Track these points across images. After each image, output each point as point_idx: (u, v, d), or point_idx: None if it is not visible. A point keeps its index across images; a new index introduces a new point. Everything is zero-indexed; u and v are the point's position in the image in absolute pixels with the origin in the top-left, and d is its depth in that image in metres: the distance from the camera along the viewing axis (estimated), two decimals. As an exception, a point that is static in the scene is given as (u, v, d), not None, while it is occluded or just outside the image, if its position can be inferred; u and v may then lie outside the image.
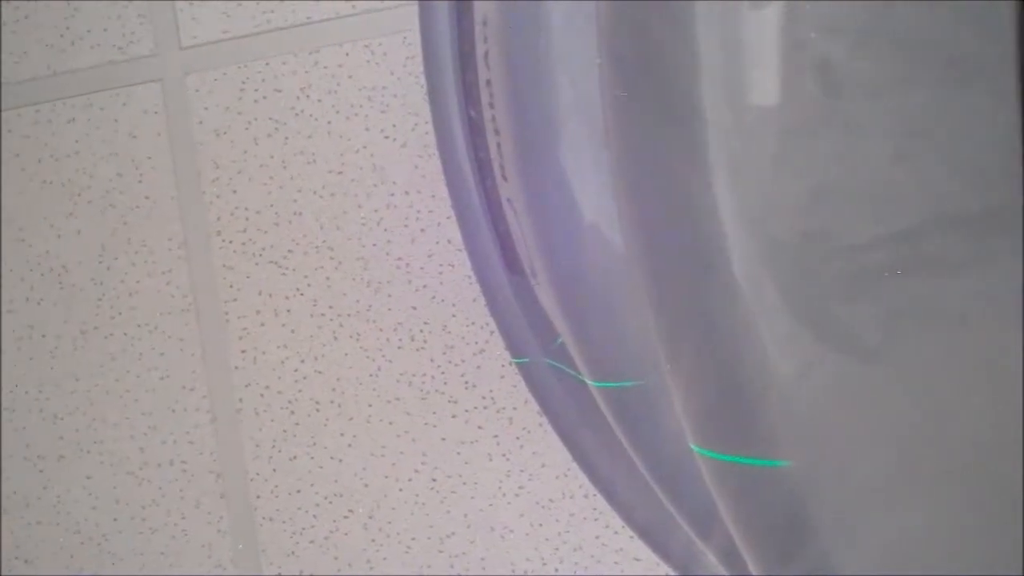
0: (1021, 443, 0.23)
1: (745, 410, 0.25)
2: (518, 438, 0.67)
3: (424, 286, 0.67)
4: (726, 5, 0.23)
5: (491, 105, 0.40)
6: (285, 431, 0.69)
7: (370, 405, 0.68)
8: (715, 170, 0.23)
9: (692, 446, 0.27)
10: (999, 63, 0.21)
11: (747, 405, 0.24)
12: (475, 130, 0.47)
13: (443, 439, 0.67)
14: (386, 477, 0.68)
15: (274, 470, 0.69)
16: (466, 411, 0.67)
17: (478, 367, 0.67)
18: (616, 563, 0.66)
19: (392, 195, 0.67)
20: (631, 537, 0.65)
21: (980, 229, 0.22)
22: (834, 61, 0.22)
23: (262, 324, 0.68)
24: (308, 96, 0.67)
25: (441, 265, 0.66)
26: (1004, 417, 0.23)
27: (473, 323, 0.67)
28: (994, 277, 0.22)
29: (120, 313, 0.69)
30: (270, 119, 0.67)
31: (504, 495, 0.67)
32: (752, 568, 0.27)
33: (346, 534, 0.69)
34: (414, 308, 0.67)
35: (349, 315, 0.68)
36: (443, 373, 0.67)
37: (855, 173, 0.22)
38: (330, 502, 0.69)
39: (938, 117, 0.22)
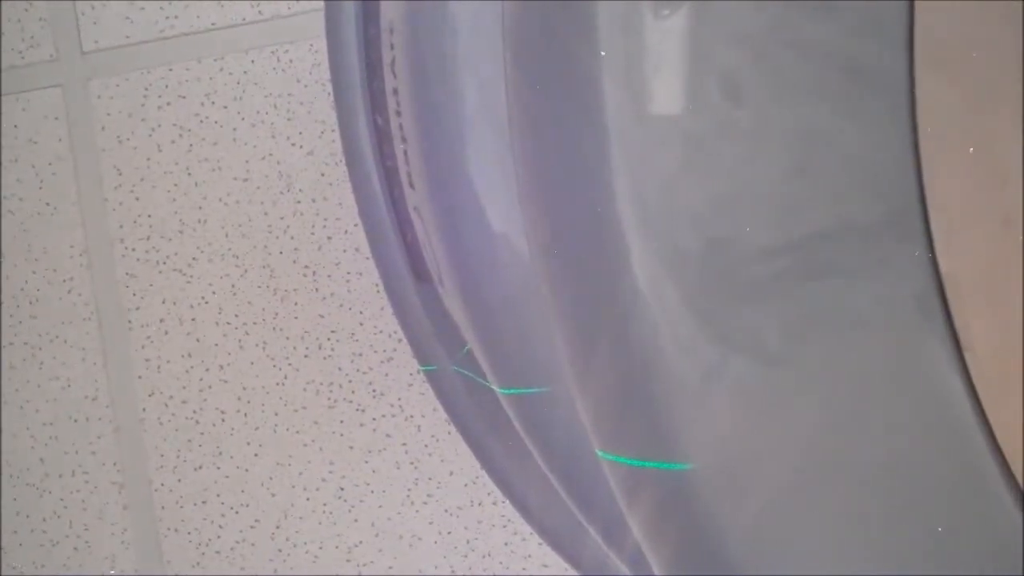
0: (921, 445, 0.23)
1: (648, 414, 0.25)
2: (426, 446, 0.67)
3: (331, 294, 0.66)
4: (631, 13, 0.23)
5: (398, 113, 0.40)
6: (190, 441, 0.68)
7: (276, 414, 0.67)
8: (618, 177, 0.23)
9: (598, 452, 0.27)
10: (893, 72, 0.22)
11: (650, 409, 0.25)
12: (382, 138, 0.47)
13: (351, 448, 0.67)
14: (293, 487, 0.67)
15: (179, 480, 0.68)
16: (374, 419, 0.67)
17: (386, 375, 0.67)
18: (524, 569, 0.66)
19: (299, 203, 0.66)
20: (540, 544, 0.66)
21: (879, 236, 0.22)
22: (736, 70, 0.22)
23: (166, 332, 0.68)
24: (213, 103, 0.67)
25: (348, 273, 0.66)
26: (905, 420, 0.23)
27: (381, 331, 0.66)
28: (894, 282, 0.23)
29: (20, 322, 0.68)
30: (174, 125, 0.67)
31: (412, 503, 0.67)
32: (657, 572, 0.27)
33: (253, 544, 0.68)
34: (321, 316, 0.67)
35: (255, 323, 0.67)
36: (351, 381, 0.67)
37: (757, 181, 0.23)
38: (236, 512, 0.68)
39: (837, 125, 0.22)
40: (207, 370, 0.67)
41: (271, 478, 0.68)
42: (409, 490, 0.67)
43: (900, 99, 0.22)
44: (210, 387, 0.68)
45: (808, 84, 0.22)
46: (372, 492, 0.67)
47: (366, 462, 0.67)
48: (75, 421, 0.68)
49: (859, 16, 0.22)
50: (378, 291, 0.66)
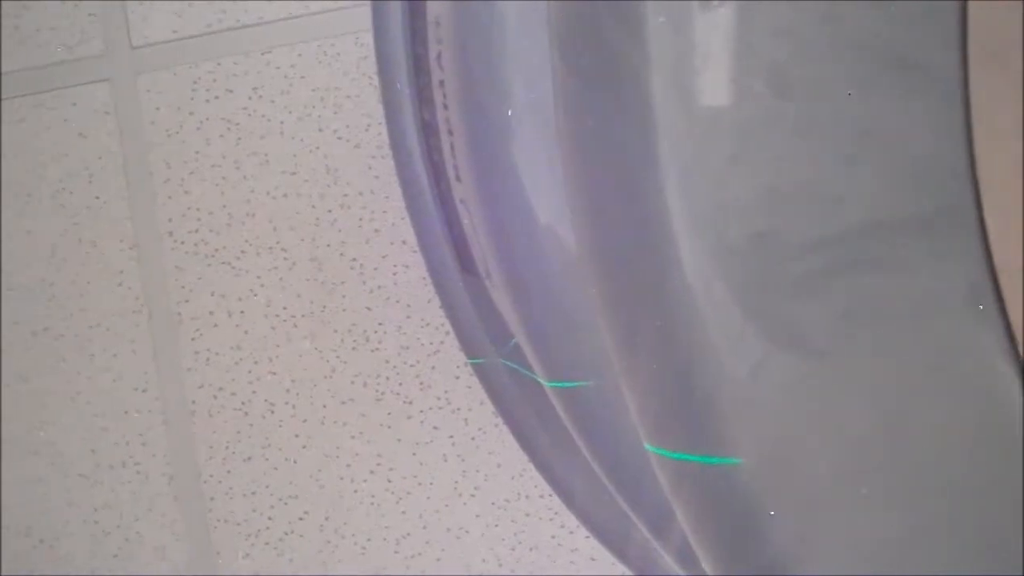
0: (971, 441, 0.23)
1: (697, 409, 0.25)
2: (473, 438, 0.67)
3: (379, 287, 0.67)
4: (678, 6, 0.23)
5: (445, 106, 0.40)
6: (239, 433, 0.68)
7: (325, 406, 0.67)
8: (666, 171, 0.23)
9: (646, 445, 0.27)
10: (945, 64, 0.22)
11: (699, 404, 0.24)
12: (429, 131, 0.47)
13: (398, 440, 0.67)
14: (341, 478, 0.68)
15: (228, 472, 0.69)
16: (421, 412, 0.67)
17: (433, 368, 0.67)
18: (572, 563, 0.66)
19: (346, 196, 0.66)
20: (587, 537, 0.66)
21: (930, 229, 0.22)
22: (785, 63, 0.22)
23: (215, 325, 0.68)
24: (260, 96, 0.67)
25: (395, 266, 0.66)
26: (955, 415, 0.23)
27: (428, 324, 0.66)
28: (946, 275, 0.22)
29: (71, 314, 0.69)
30: (222, 119, 0.67)
31: (460, 496, 0.67)
32: (706, 567, 0.27)
33: (301, 536, 0.68)
34: (368, 309, 0.67)
35: (303, 316, 0.67)
36: (398, 374, 0.67)
37: (806, 174, 0.23)
38: (285, 504, 0.68)
39: (888, 118, 0.22)
40: (256, 362, 0.68)
41: (319, 470, 0.68)
42: (456, 482, 0.67)
43: (953, 91, 0.22)
44: (259, 379, 0.68)
45: (858, 76, 0.22)
46: (419, 484, 0.67)
47: (413, 454, 0.67)
48: (125, 413, 0.69)
49: (910, 8, 0.21)
50: (425, 284, 0.66)
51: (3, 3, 0.68)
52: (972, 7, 0.21)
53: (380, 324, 0.67)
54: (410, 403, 0.67)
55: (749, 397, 0.24)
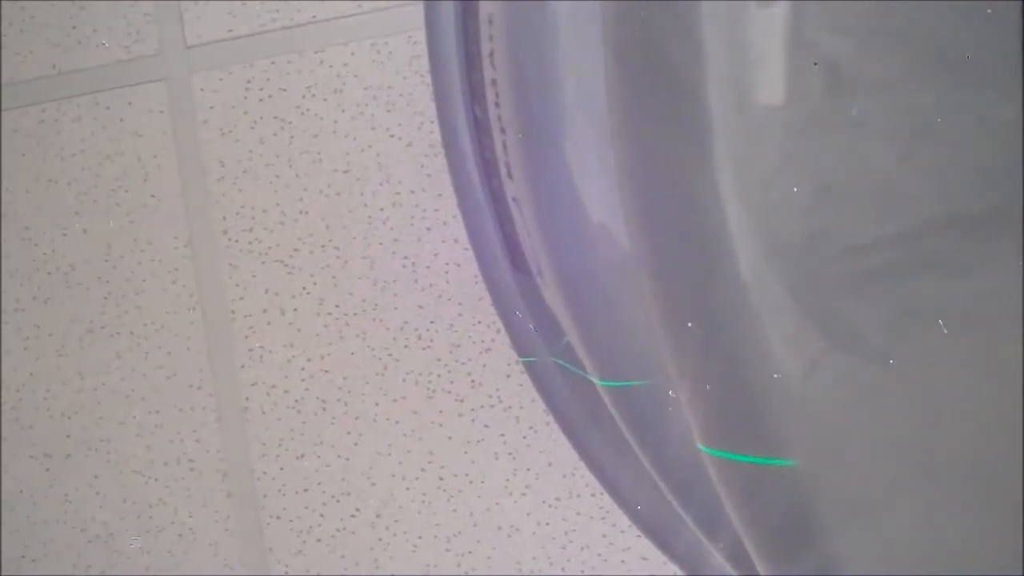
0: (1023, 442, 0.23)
1: (751, 409, 0.25)
2: (524, 437, 0.67)
3: (430, 285, 0.67)
4: (732, 4, 0.23)
5: (497, 104, 0.40)
6: (292, 430, 0.69)
7: (376, 404, 0.68)
8: (721, 169, 0.23)
9: (699, 445, 0.27)
10: (1003, 63, 0.21)
11: (753, 404, 0.24)
12: (481, 129, 0.47)
13: (449, 438, 0.67)
14: (392, 476, 0.68)
15: (281, 469, 0.69)
16: (472, 410, 0.67)
17: (484, 366, 0.67)
18: (623, 562, 0.66)
19: (398, 194, 0.67)
20: (638, 536, 0.65)
21: (985, 229, 0.22)
22: (840, 60, 0.22)
23: (268, 323, 0.68)
24: (313, 95, 0.67)
25: (447, 264, 0.66)
26: (1009, 417, 0.23)
27: (479, 322, 0.67)
28: (999, 277, 0.22)
29: (126, 312, 0.69)
30: (275, 118, 0.67)
31: (511, 494, 0.67)
32: (759, 567, 0.27)
33: (353, 533, 0.69)
34: (420, 307, 0.67)
35: (355, 314, 0.68)
36: (449, 372, 0.67)
37: (860, 173, 0.22)
38: (337, 501, 0.69)
39: (943, 117, 0.22)
40: (308, 360, 0.68)
41: (371, 467, 0.68)
42: (507, 481, 0.67)
43: (1012, 90, 0.21)
44: (311, 376, 0.68)
45: (913, 74, 0.22)
46: (471, 482, 0.67)
47: (465, 452, 0.67)
48: (180, 410, 0.70)
49: (970, 6, 0.21)
50: (477, 282, 0.66)
51: (61, 3, 0.69)
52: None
53: (432, 322, 0.67)
54: (461, 401, 0.67)
55: (803, 397, 0.24)
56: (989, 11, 0.21)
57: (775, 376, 0.24)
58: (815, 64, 0.22)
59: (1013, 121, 0.21)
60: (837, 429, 0.24)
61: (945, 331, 0.23)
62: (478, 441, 0.67)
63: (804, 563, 0.25)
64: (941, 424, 0.23)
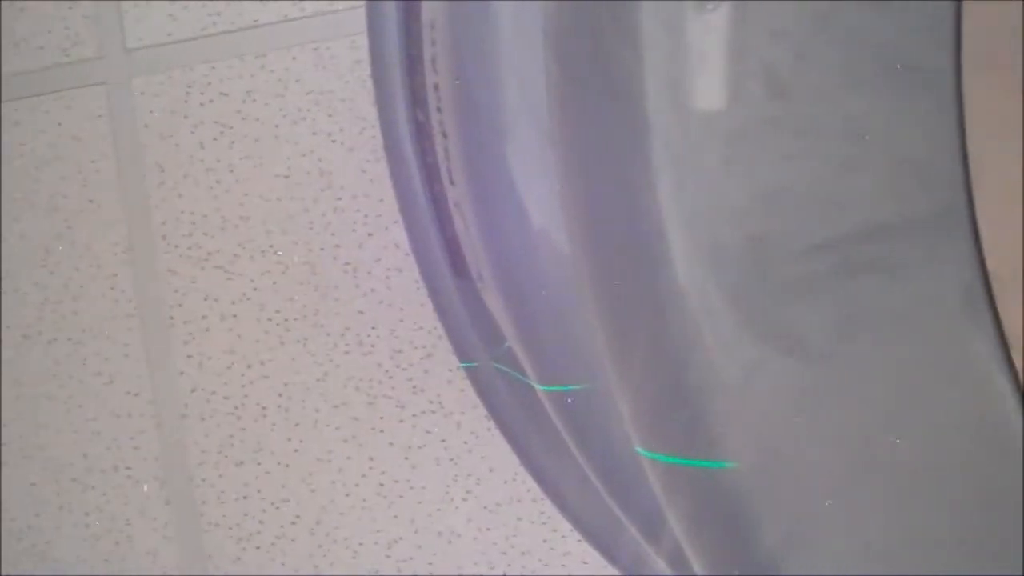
0: (967, 444, 0.23)
1: (690, 412, 0.25)
2: (466, 442, 0.67)
3: (372, 290, 0.67)
4: (672, 8, 0.23)
5: (439, 109, 0.40)
6: (231, 436, 0.68)
7: (317, 410, 0.67)
8: (660, 174, 0.23)
9: (638, 449, 0.27)
10: (939, 66, 0.22)
11: (692, 407, 0.25)
12: (423, 134, 0.47)
13: (391, 444, 0.67)
14: (333, 482, 0.68)
15: (220, 476, 0.68)
16: (414, 416, 0.67)
17: (426, 371, 0.67)
18: (564, 567, 0.66)
19: (339, 199, 0.66)
20: (579, 541, 0.66)
21: (925, 232, 0.22)
22: (780, 65, 0.22)
23: (208, 329, 0.68)
24: (255, 100, 0.67)
25: (389, 269, 0.66)
26: (949, 419, 0.23)
27: (421, 327, 0.66)
28: (939, 279, 0.22)
29: (64, 318, 0.69)
30: (216, 123, 0.67)
31: (452, 500, 0.67)
32: (698, 570, 0.27)
33: (293, 540, 0.68)
34: (361, 313, 0.67)
35: (296, 320, 0.67)
36: (391, 378, 0.67)
37: (801, 177, 0.23)
38: (277, 507, 0.68)
39: (883, 121, 0.22)
40: (248, 366, 0.68)
41: (311, 474, 0.68)
42: (448, 487, 0.67)
43: (948, 95, 0.22)
44: (251, 383, 0.68)
45: (853, 80, 0.22)
46: (412, 488, 0.67)
47: (406, 458, 0.67)
48: (117, 417, 0.69)
49: (905, 10, 0.22)
50: (418, 287, 0.66)
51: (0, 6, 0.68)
52: (967, 9, 0.21)
53: (373, 328, 0.67)
54: (403, 407, 0.67)
55: (742, 401, 0.24)
56: (924, 16, 0.21)
57: (715, 380, 0.24)
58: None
59: (949, 125, 0.22)
60: (779, 432, 0.24)
61: (886, 334, 0.23)
62: (419, 447, 0.67)
63: (743, 566, 0.25)
64: (884, 426, 0.23)
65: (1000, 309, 0.22)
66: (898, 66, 0.22)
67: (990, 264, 0.22)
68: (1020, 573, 0.23)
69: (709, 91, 0.23)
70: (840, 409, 0.24)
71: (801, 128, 0.22)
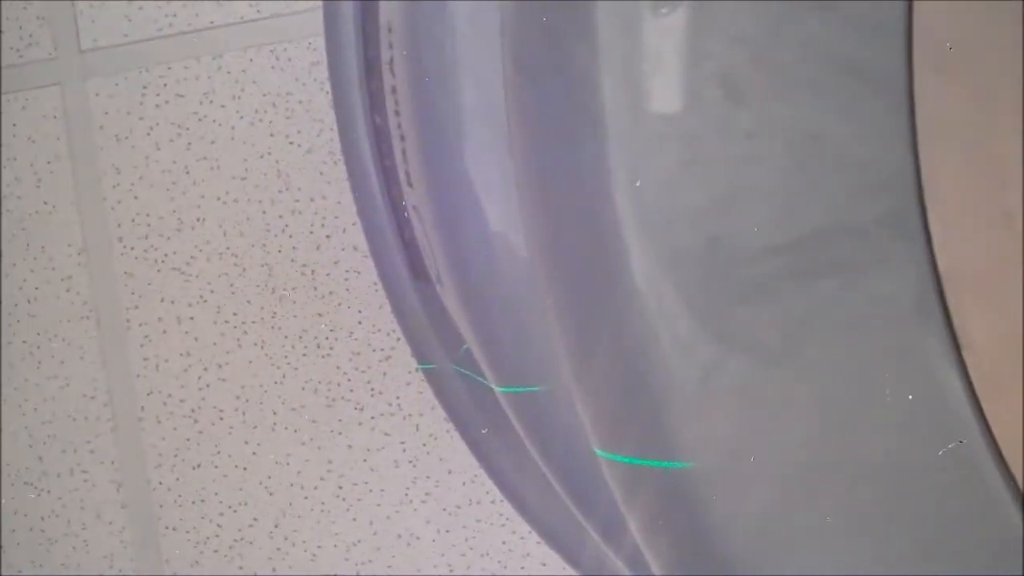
0: (920, 443, 0.23)
1: (647, 413, 0.25)
2: (425, 444, 0.67)
3: (330, 293, 0.66)
4: (628, 10, 0.23)
5: (396, 112, 0.40)
6: (188, 440, 0.68)
7: (275, 413, 0.67)
8: (617, 176, 0.23)
9: (596, 450, 0.27)
10: (891, 71, 0.22)
11: (649, 408, 0.25)
12: (381, 136, 0.47)
13: (349, 446, 0.67)
14: (291, 485, 0.67)
15: (177, 479, 0.68)
16: (372, 418, 0.67)
17: (384, 374, 0.67)
18: (523, 568, 0.66)
19: (297, 201, 0.66)
20: (538, 542, 0.66)
21: (878, 234, 0.22)
22: (735, 69, 0.22)
23: (164, 331, 0.68)
24: (211, 101, 0.67)
25: (347, 271, 0.66)
26: (903, 418, 0.23)
27: (379, 330, 0.66)
28: (892, 281, 0.23)
29: (18, 320, 0.68)
30: (172, 124, 0.67)
31: (411, 502, 0.67)
32: (655, 571, 0.27)
33: (251, 543, 0.68)
34: (319, 315, 0.67)
35: (253, 322, 0.67)
36: (349, 380, 0.67)
37: (756, 180, 0.23)
38: (234, 511, 0.68)
39: (837, 124, 0.22)
40: (205, 369, 0.67)
41: (269, 477, 0.68)
42: (407, 489, 0.67)
43: (899, 98, 0.22)
44: (208, 386, 0.68)
45: (807, 83, 0.22)
46: (370, 491, 0.67)
47: (364, 461, 0.67)
48: (73, 420, 0.68)
49: (858, 15, 0.22)
50: (376, 290, 0.66)
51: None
52: (918, 11, 0.22)
53: (331, 330, 0.67)
54: (361, 409, 0.67)
55: (700, 401, 0.24)
56: (876, 20, 0.21)
57: (673, 380, 0.24)
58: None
59: (900, 129, 0.22)
60: (734, 432, 0.24)
61: (840, 335, 0.23)
62: (378, 449, 0.67)
63: (703, 568, 0.25)
64: (839, 426, 0.24)
65: (951, 309, 0.23)
66: (854, 67, 0.22)
67: (941, 265, 0.22)
68: (977, 567, 0.24)
69: (666, 93, 0.23)
70: (796, 410, 0.24)
71: (756, 131, 0.22)
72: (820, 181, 0.22)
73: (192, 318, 0.67)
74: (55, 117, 0.68)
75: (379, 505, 0.67)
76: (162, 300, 0.67)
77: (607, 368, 0.25)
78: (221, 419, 0.68)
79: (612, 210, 0.23)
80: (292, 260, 0.66)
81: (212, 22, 0.66)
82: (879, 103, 0.22)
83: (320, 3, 0.50)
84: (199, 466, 0.68)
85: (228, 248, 0.67)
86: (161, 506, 0.68)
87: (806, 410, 0.24)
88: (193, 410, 0.68)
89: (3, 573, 0.70)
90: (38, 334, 0.68)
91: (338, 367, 0.67)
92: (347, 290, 0.66)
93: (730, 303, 0.23)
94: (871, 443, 0.24)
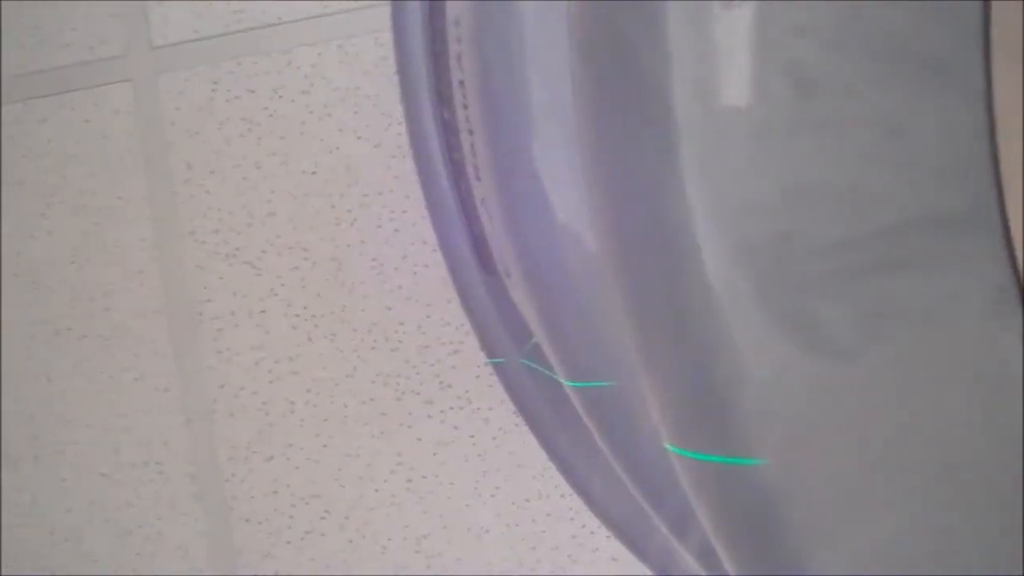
0: (996, 444, 0.23)
1: (718, 409, 0.25)
2: (494, 438, 0.67)
3: (399, 286, 0.67)
4: (698, 5, 0.23)
5: (464, 106, 0.40)
6: (260, 432, 0.68)
7: (345, 406, 0.68)
8: (687, 171, 0.23)
9: (667, 445, 0.27)
10: (968, 63, 0.21)
11: (721, 404, 0.24)
12: (448, 130, 0.47)
13: (419, 439, 0.67)
14: (361, 478, 0.68)
15: (249, 471, 0.69)
16: (441, 412, 0.67)
17: (453, 367, 0.67)
18: (592, 563, 0.66)
19: (366, 196, 0.66)
20: (607, 537, 0.65)
21: (955, 228, 0.22)
22: (807, 61, 0.22)
23: (236, 325, 0.68)
24: (280, 96, 0.67)
25: (415, 265, 0.66)
26: (980, 417, 0.23)
27: (448, 323, 0.66)
28: (970, 276, 0.22)
29: (93, 314, 0.69)
30: (243, 119, 0.67)
31: (480, 495, 0.67)
32: (728, 567, 0.27)
33: (322, 535, 0.69)
34: (389, 308, 0.67)
35: (323, 316, 0.67)
36: (418, 374, 0.67)
37: (829, 173, 0.22)
38: (306, 503, 0.68)
39: (911, 117, 0.22)
40: (276, 362, 0.68)
41: (340, 469, 0.68)
42: (477, 482, 0.67)
43: (976, 89, 0.21)
44: (280, 379, 0.68)
45: (881, 75, 0.22)
46: (440, 484, 0.67)
47: (434, 454, 0.67)
48: (148, 413, 0.69)
49: (932, 5, 0.21)
50: (445, 283, 0.66)
51: (26, 3, 0.68)
52: (995, 4, 0.21)
53: (400, 324, 0.67)
54: (430, 403, 0.67)
55: (771, 398, 0.24)
56: (951, 10, 0.21)
57: (743, 376, 0.24)
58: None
59: (977, 121, 0.21)
60: (808, 429, 0.24)
61: (913, 332, 0.23)
62: (447, 443, 0.67)
63: (773, 564, 0.25)
64: (913, 425, 0.23)
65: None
66: (930, 61, 0.21)
67: (1020, 258, 0.22)
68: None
69: (735, 88, 0.23)
70: (868, 407, 0.23)
71: (827, 124, 0.22)
72: (895, 174, 0.22)
73: (263, 311, 0.68)
74: (127, 113, 0.68)
75: (449, 498, 0.67)
76: (233, 294, 0.68)
77: (677, 363, 0.25)
78: (292, 412, 0.68)
79: (682, 204, 0.23)
80: (361, 254, 0.67)
81: (280, 18, 0.67)
82: (955, 94, 0.22)
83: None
84: (271, 458, 0.68)
85: (298, 242, 0.67)
86: (234, 498, 0.69)
87: (878, 408, 0.23)
88: (264, 403, 0.68)
89: (80, 563, 0.71)
90: (112, 328, 0.69)
91: (407, 360, 0.67)
92: (416, 284, 0.66)
93: (802, 299, 0.23)
94: (948, 443, 0.23)
